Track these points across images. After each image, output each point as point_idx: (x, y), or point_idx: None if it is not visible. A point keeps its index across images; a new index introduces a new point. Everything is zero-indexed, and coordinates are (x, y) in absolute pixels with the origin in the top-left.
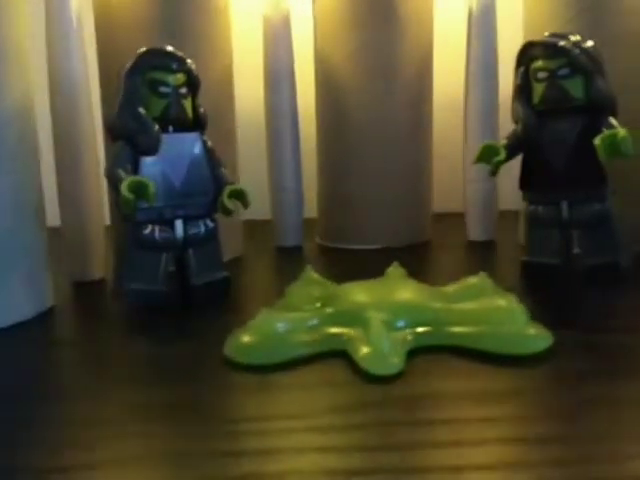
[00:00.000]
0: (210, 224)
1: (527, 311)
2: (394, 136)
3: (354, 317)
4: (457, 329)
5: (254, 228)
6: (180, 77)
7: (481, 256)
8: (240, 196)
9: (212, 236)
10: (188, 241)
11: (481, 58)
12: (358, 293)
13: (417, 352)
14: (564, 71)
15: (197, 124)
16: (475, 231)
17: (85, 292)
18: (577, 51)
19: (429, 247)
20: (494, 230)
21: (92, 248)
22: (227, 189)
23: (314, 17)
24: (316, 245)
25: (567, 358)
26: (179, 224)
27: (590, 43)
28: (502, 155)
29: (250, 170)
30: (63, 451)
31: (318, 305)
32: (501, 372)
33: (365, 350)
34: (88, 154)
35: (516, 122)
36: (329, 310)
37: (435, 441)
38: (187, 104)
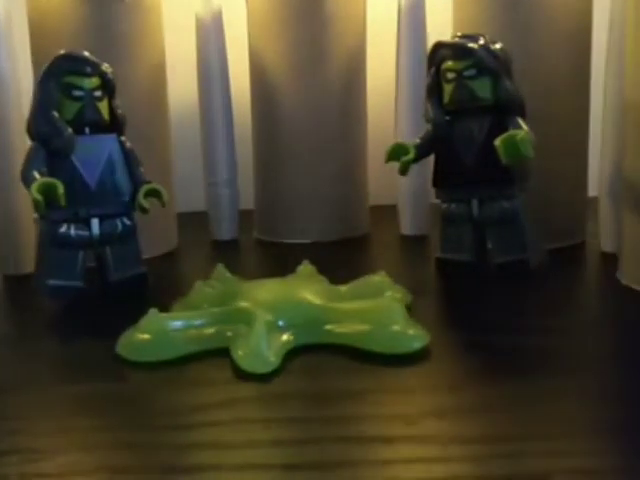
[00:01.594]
0: (127, 222)
1: (406, 311)
2: (327, 131)
3: (241, 316)
4: (336, 328)
5: (192, 221)
6: (95, 81)
7: (409, 251)
8: (156, 195)
9: (129, 234)
10: (105, 239)
11: (411, 52)
12: (255, 292)
13: (302, 351)
14: (471, 72)
15: (114, 125)
16: (408, 226)
17: (14, 286)
18: (484, 52)
19: (364, 241)
20: (427, 225)
21: (22, 242)
22: (143, 188)
23: (247, 14)
24: (253, 238)
25: (448, 359)
26: (95, 222)
27: (499, 45)
28: (411, 154)
29: (186, 164)
30: None
31: (217, 303)
32: (374, 371)
33: (243, 348)
34: (18, 152)
35: (427, 121)
36: (218, 309)
37: (294, 439)
38: (102, 106)
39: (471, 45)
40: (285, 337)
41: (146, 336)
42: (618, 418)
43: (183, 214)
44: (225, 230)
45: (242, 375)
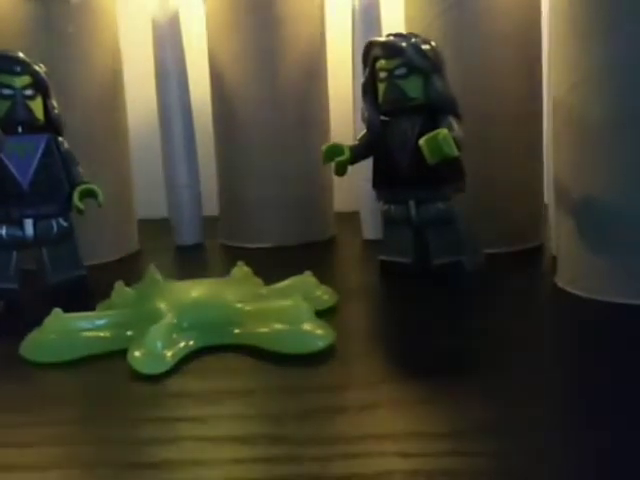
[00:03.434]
0: (63, 223)
1: (311, 310)
2: (288, 133)
3: (149, 317)
4: (242, 329)
5: (157, 228)
6: (25, 79)
7: (368, 255)
8: (92, 195)
9: (66, 235)
10: (40, 240)
11: None
12: (172, 293)
13: (209, 352)
14: (401, 71)
15: (50, 126)
16: (369, 230)
17: None
18: (413, 51)
19: (327, 245)
20: None
21: None
22: (78, 189)
23: (206, 13)
24: (218, 244)
25: (352, 359)
26: (28, 223)
27: (430, 44)
28: (346, 155)
29: (146, 168)
30: None
31: (134, 304)
32: (271, 371)
33: (140, 349)
34: None
35: (364, 122)
36: (126, 310)
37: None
38: (35, 106)
39: (401, 44)
40: (188, 338)
41: (47, 336)
42: (505, 419)
43: (147, 220)
44: (187, 235)
45: (136, 376)
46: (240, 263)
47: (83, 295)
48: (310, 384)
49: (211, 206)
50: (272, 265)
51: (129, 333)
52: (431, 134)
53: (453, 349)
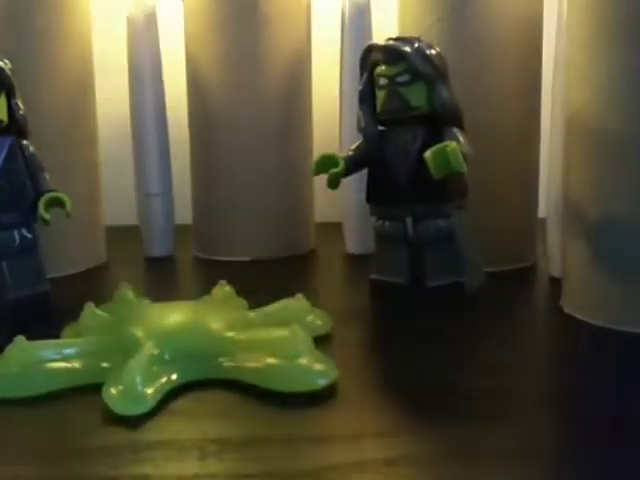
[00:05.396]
0: (27, 235)
1: (310, 341)
2: (267, 142)
3: (124, 345)
4: (231, 362)
5: (124, 236)
6: None
7: (351, 271)
8: (60, 204)
9: (30, 247)
10: (1, 252)
11: (355, 59)
12: (149, 317)
13: (192, 388)
14: (404, 78)
15: (13, 127)
16: (353, 244)
17: None
18: (418, 57)
19: (307, 259)
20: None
21: None
22: (44, 197)
23: (184, 14)
24: (191, 256)
25: (358, 402)
26: None
27: (435, 50)
28: (340, 166)
29: (118, 174)
30: None
31: (107, 329)
32: (269, 415)
33: (116, 385)
34: None
35: (359, 131)
36: (98, 337)
37: None
38: None
39: (404, 48)
40: (170, 372)
41: (9, 369)
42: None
43: (114, 228)
44: (158, 246)
45: (111, 418)
46: (222, 282)
47: (45, 314)
48: (318, 432)
49: (181, 214)
50: (251, 281)
51: (104, 365)
52: (438, 146)
53: (470, 390)
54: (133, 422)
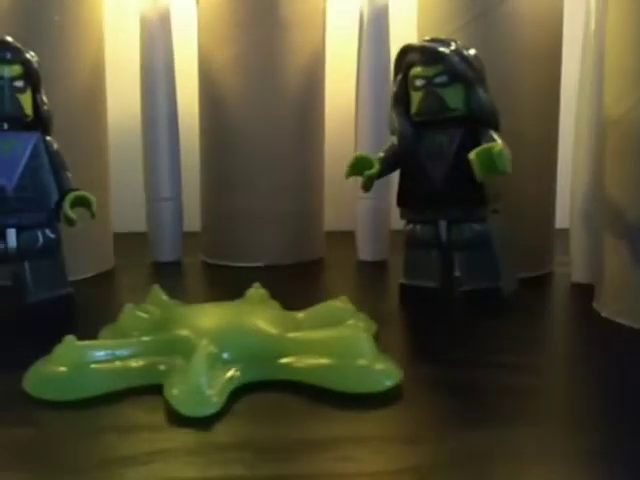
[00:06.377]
0: (50, 235)
1: (375, 342)
2: (281, 147)
3: (178, 346)
4: (292, 362)
5: (133, 242)
6: (16, 68)
7: (368, 277)
8: (85, 204)
9: (52, 248)
10: (23, 253)
11: (373, 64)
12: (196, 318)
13: (251, 389)
14: (442, 79)
15: (38, 123)
16: (365, 251)
17: None
18: (456, 58)
19: (318, 266)
20: (386, 250)
21: None
22: (70, 196)
23: (198, 16)
24: (199, 261)
25: (420, 401)
26: (11, 234)
27: (472, 51)
28: (375, 168)
29: (125, 178)
30: None
31: (150, 330)
32: (338, 415)
33: (179, 386)
34: None
35: (393, 133)
36: (150, 338)
37: None
38: (25, 99)
39: (442, 49)
40: (231, 373)
41: (59, 369)
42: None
43: (123, 234)
44: (167, 251)
45: (177, 419)
46: (256, 285)
47: (66, 317)
48: (399, 433)
49: (185, 221)
50: (266, 287)
51: (160, 366)
52: (484, 147)
53: (511, 387)
54: (199, 424)
